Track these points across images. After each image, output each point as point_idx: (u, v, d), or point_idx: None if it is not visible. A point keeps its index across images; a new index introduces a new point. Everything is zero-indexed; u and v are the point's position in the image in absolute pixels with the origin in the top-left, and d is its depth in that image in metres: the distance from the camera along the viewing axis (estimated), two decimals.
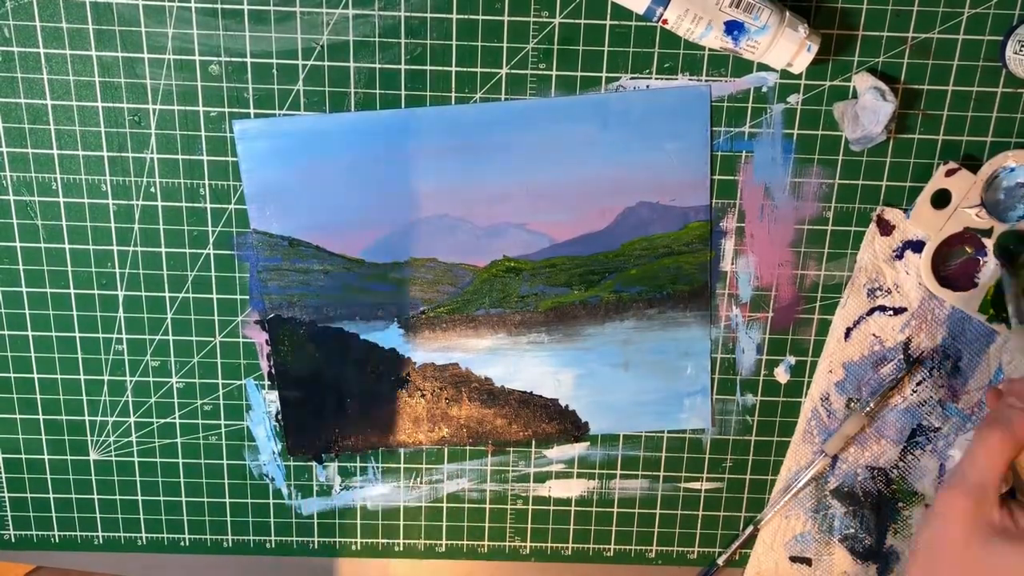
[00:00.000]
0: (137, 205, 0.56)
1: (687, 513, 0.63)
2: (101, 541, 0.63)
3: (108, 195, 0.56)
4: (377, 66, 0.53)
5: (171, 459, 0.61)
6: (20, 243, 0.56)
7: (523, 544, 0.64)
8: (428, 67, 0.53)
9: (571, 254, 0.57)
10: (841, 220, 0.57)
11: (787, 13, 0.50)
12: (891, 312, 0.57)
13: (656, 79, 0.54)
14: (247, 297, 0.58)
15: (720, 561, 0.63)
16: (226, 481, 0.62)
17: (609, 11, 0.52)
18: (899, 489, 0.61)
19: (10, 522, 0.63)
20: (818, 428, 0.60)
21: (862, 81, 0.53)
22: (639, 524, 0.63)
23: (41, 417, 0.60)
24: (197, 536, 0.63)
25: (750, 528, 0.62)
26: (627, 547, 0.64)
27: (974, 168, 0.54)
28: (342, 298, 0.58)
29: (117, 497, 0.62)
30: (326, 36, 0.53)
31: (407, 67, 0.53)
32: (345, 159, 0.55)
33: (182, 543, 0.63)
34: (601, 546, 0.64)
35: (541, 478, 0.62)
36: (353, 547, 0.64)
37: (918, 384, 0.59)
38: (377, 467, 0.62)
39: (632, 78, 0.54)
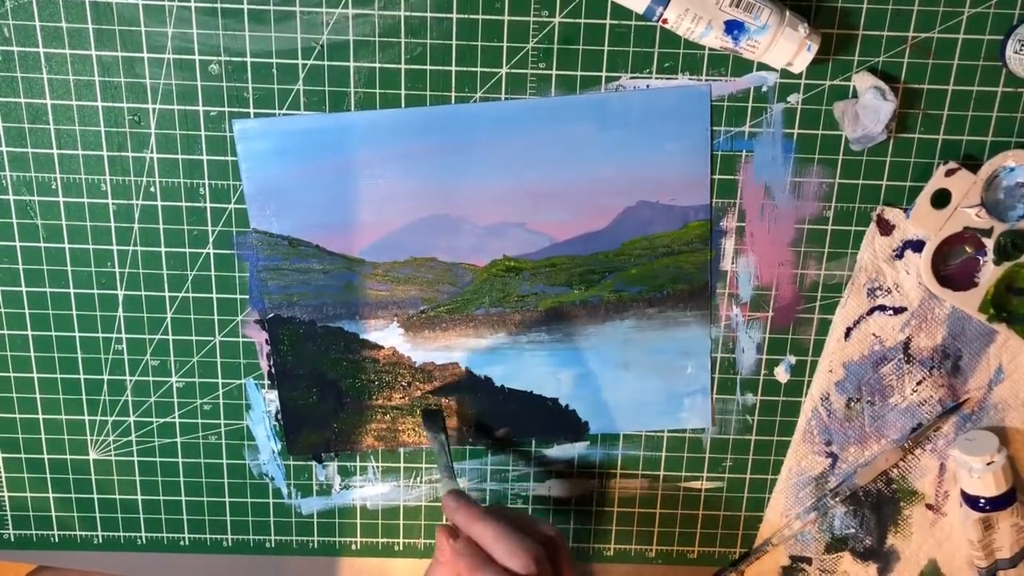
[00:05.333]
0: (137, 205, 0.56)
1: (687, 513, 0.63)
2: (101, 541, 0.63)
3: (108, 195, 0.55)
4: (377, 66, 0.53)
5: (171, 459, 0.61)
6: (20, 243, 0.56)
7: None
8: (428, 67, 0.53)
9: (571, 253, 0.57)
10: (841, 220, 0.57)
11: (787, 12, 0.50)
12: (891, 312, 0.57)
13: (656, 79, 0.54)
14: (247, 297, 0.58)
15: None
16: (226, 481, 0.62)
17: (609, 11, 0.52)
18: (899, 489, 0.61)
19: (10, 522, 0.63)
20: (818, 428, 0.60)
21: (862, 80, 0.53)
22: (639, 524, 0.63)
23: (41, 417, 0.60)
24: (197, 536, 0.63)
25: (768, 547, 0.62)
26: (627, 547, 0.64)
27: (974, 168, 0.54)
28: (342, 298, 0.58)
29: (117, 497, 0.62)
30: (326, 36, 0.53)
31: (407, 67, 0.53)
32: (345, 159, 0.55)
33: (182, 543, 0.63)
34: (601, 546, 0.64)
35: (541, 478, 0.62)
36: (353, 547, 0.64)
37: (918, 384, 0.58)
38: (377, 467, 0.62)
39: (632, 78, 0.54)
